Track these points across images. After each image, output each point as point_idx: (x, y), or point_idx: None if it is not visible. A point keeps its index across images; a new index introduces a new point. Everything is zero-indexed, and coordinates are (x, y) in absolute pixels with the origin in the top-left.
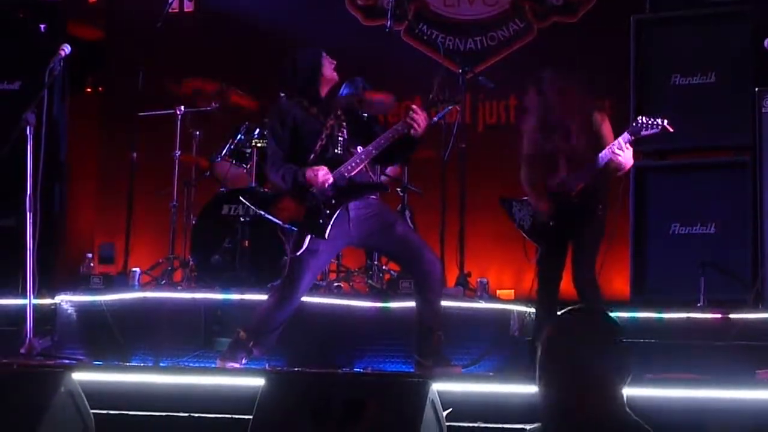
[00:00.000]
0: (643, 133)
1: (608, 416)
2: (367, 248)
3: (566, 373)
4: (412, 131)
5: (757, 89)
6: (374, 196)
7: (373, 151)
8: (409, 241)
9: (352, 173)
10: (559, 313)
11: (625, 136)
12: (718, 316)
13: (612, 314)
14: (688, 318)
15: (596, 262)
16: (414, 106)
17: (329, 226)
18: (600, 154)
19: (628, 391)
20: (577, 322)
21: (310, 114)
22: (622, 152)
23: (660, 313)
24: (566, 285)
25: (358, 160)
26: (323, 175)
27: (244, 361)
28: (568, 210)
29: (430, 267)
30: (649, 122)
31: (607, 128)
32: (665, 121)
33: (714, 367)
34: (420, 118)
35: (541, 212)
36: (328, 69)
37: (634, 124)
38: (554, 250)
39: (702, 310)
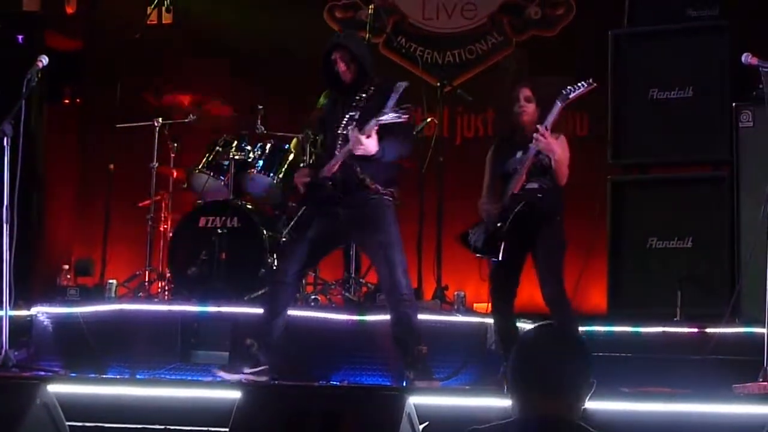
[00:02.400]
0: (572, 95)
1: (569, 428)
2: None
3: (532, 386)
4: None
5: (734, 104)
6: (366, 195)
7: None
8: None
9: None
10: (529, 327)
11: (556, 106)
12: (695, 330)
13: (579, 330)
14: (665, 332)
15: (562, 274)
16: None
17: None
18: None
19: (606, 405)
20: (545, 337)
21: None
22: (543, 138)
23: (637, 327)
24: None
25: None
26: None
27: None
28: (521, 213)
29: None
30: (576, 86)
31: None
32: (591, 80)
33: (691, 381)
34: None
35: (492, 216)
36: (340, 65)
37: (562, 91)
38: (507, 261)
39: (679, 324)
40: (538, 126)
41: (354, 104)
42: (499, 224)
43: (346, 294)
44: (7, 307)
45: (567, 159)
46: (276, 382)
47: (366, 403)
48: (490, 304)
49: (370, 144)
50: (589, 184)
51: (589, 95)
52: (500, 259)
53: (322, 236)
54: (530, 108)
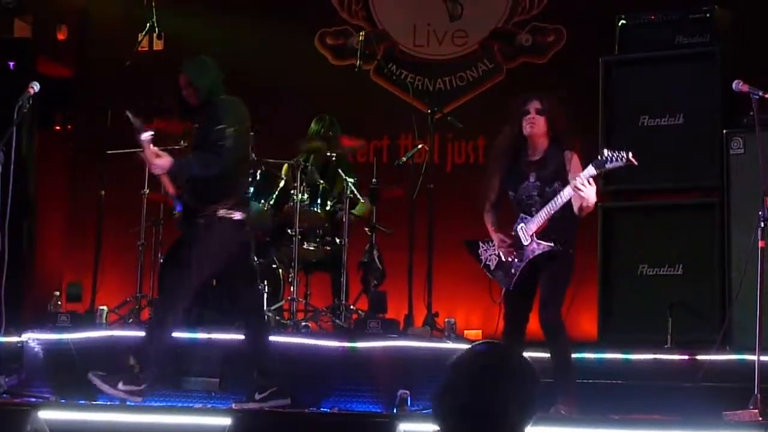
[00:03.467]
0: (608, 166)
1: None
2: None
3: (465, 407)
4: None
5: (725, 131)
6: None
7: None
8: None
9: None
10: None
11: (590, 169)
12: (686, 357)
13: (568, 356)
14: (655, 359)
15: (564, 302)
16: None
17: None
18: (563, 191)
19: None
20: (483, 356)
21: None
22: (584, 188)
23: (627, 353)
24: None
25: None
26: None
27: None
28: (548, 239)
29: None
30: (614, 155)
31: (575, 165)
32: (630, 154)
33: (681, 408)
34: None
35: (506, 248)
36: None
37: (599, 157)
38: (521, 290)
39: (669, 351)
40: (579, 176)
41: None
42: (516, 260)
43: (337, 321)
44: None
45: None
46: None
47: (356, 430)
48: (502, 328)
49: (162, 162)
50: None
51: (579, 122)
52: (511, 289)
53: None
54: (540, 120)
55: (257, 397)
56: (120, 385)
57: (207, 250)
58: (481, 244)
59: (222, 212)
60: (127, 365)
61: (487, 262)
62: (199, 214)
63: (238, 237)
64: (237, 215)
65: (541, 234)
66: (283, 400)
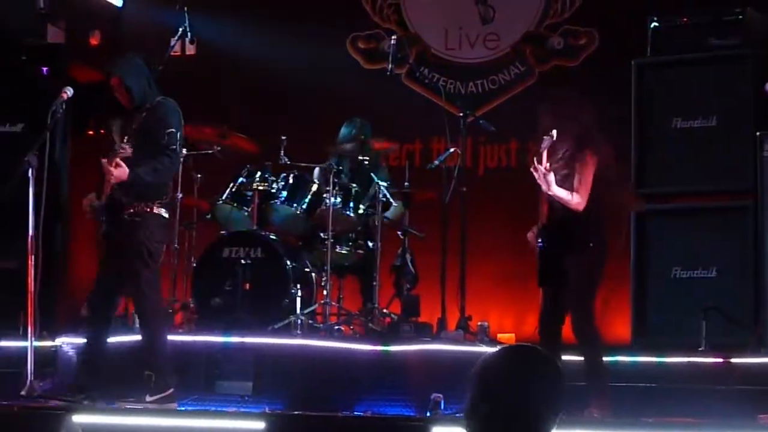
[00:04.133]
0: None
1: None
2: None
3: (494, 408)
4: None
5: (758, 133)
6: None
7: None
8: None
9: None
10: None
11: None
12: (719, 360)
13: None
14: (689, 362)
15: (591, 307)
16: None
17: None
18: None
19: None
20: (510, 357)
21: None
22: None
23: (661, 357)
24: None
25: None
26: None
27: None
28: (557, 234)
29: None
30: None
31: (579, 174)
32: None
33: (715, 411)
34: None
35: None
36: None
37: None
38: (549, 288)
39: (703, 354)
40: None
41: (131, 129)
42: (539, 243)
43: (370, 324)
44: (32, 338)
45: (564, 193)
46: (299, 412)
47: None
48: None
49: (120, 172)
50: (613, 213)
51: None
52: (539, 285)
53: None
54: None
55: (148, 398)
56: (148, 398)
57: (144, 245)
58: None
59: (154, 209)
60: (144, 378)
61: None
62: (129, 210)
63: (162, 235)
64: (165, 214)
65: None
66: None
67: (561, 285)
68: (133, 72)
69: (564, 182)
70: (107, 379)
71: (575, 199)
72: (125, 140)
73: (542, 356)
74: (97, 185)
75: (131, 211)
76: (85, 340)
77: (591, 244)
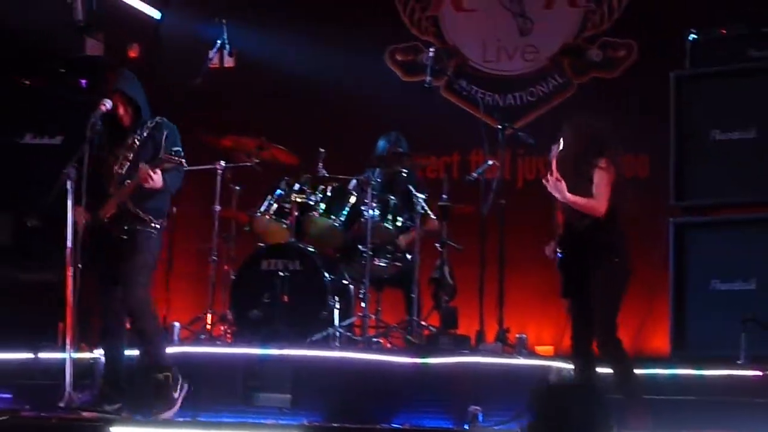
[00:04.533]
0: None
1: None
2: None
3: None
4: None
5: None
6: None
7: None
8: None
9: None
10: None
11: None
12: (759, 373)
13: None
14: (728, 375)
15: (615, 323)
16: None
17: None
18: None
19: None
20: (564, 395)
21: None
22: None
23: (700, 369)
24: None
25: None
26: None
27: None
28: (576, 244)
29: None
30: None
31: (596, 180)
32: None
33: (755, 424)
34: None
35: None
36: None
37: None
38: (574, 298)
39: (742, 367)
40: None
41: (128, 146)
42: (558, 252)
43: (408, 337)
44: (71, 350)
45: (580, 198)
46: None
47: None
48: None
49: (157, 178)
50: (652, 225)
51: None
52: (562, 296)
53: None
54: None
55: (175, 396)
56: (175, 395)
57: (153, 255)
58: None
59: (160, 225)
60: (159, 381)
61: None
62: (143, 223)
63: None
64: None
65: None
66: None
67: (585, 296)
68: (137, 89)
69: (576, 190)
70: (137, 391)
71: (593, 203)
72: (120, 155)
73: (593, 385)
74: (88, 203)
75: (152, 224)
76: (103, 358)
77: (616, 259)
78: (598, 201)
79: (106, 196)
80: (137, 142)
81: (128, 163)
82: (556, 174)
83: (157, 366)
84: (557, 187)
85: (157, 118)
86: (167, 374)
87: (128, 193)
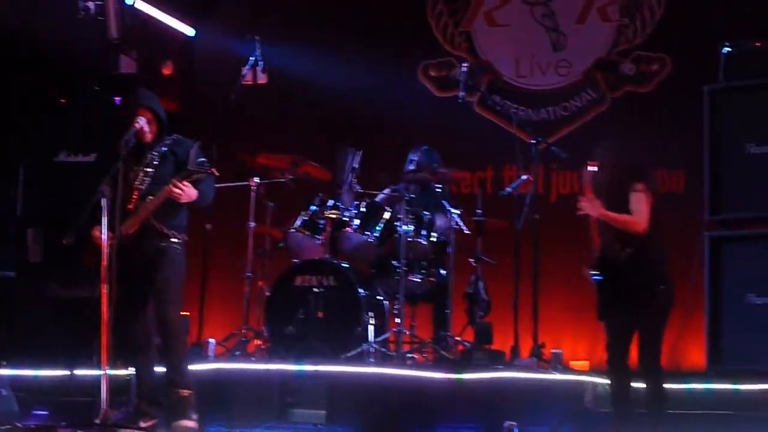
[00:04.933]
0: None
1: None
2: None
3: None
4: None
5: None
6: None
7: None
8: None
9: None
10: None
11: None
12: None
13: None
14: (765, 389)
15: (661, 345)
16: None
17: None
18: None
19: None
20: None
21: None
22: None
23: (736, 384)
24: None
25: None
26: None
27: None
28: (617, 271)
29: None
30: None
31: (634, 201)
32: None
33: None
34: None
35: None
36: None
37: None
38: (613, 317)
39: None
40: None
41: (148, 161)
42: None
43: (442, 352)
44: (106, 367)
45: (620, 215)
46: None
47: None
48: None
49: (191, 191)
50: (687, 240)
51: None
52: (598, 317)
53: None
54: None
55: (193, 416)
56: (193, 416)
57: (180, 270)
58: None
59: (182, 240)
60: (182, 398)
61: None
62: (167, 239)
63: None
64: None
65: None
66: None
67: (623, 317)
68: (160, 106)
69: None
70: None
71: (634, 219)
72: (140, 172)
73: None
74: (111, 220)
75: (175, 239)
76: (135, 375)
77: (662, 287)
78: (639, 217)
79: (127, 212)
80: (156, 159)
81: (149, 179)
82: (589, 194)
83: (181, 383)
84: (592, 205)
85: (174, 136)
86: (190, 392)
87: (152, 210)
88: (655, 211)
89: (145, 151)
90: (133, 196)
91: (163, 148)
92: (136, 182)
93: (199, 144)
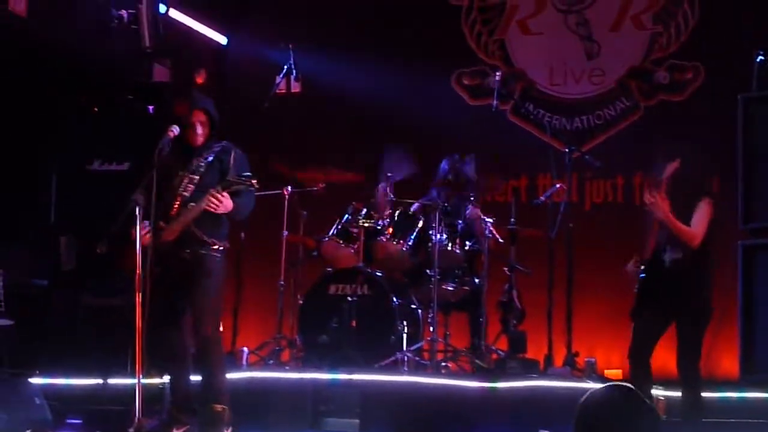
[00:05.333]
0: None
1: None
2: None
3: None
4: None
5: None
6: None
7: None
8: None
9: None
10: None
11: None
12: None
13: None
14: None
15: (700, 352)
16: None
17: None
18: None
19: None
20: (610, 398)
21: None
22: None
23: None
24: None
25: None
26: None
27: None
28: (661, 276)
29: None
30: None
31: (699, 213)
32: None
33: None
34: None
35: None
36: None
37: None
38: (644, 322)
39: None
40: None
41: (194, 167)
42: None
43: (477, 361)
44: (140, 376)
45: (681, 224)
46: None
47: None
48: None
49: (227, 202)
50: (721, 248)
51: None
52: (631, 314)
53: None
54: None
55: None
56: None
57: (219, 280)
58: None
59: (223, 248)
60: (216, 413)
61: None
62: (207, 247)
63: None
64: None
65: None
66: None
67: (661, 319)
68: (214, 108)
69: (674, 214)
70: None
71: (693, 231)
72: (185, 177)
73: (640, 398)
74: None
75: (215, 247)
76: (170, 383)
77: (706, 294)
78: (697, 230)
79: (170, 218)
80: (203, 166)
81: (193, 186)
82: (663, 193)
83: (216, 398)
84: (660, 205)
85: (224, 143)
86: (225, 408)
87: (192, 217)
88: (714, 224)
89: (192, 157)
90: (176, 203)
91: (211, 156)
92: (180, 188)
93: (245, 155)
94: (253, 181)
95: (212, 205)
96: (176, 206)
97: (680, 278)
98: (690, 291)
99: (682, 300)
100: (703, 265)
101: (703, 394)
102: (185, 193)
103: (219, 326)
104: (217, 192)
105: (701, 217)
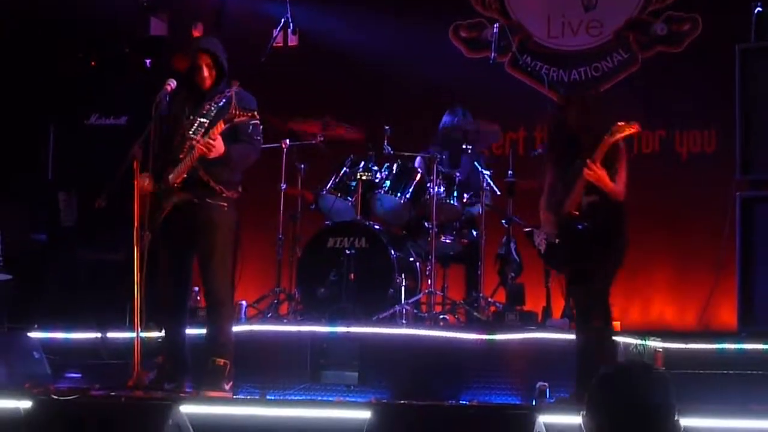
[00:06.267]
0: (617, 136)
1: None
2: None
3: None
4: None
5: None
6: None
7: None
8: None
9: None
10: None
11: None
12: None
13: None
14: None
15: (603, 298)
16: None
17: None
18: None
19: (735, 423)
20: (627, 379)
21: None
22: (591, 173)
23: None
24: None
25: None
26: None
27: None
28: (576, 231)
29: None
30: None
31: (619, 167)
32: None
33: None
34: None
35: (549, 228)
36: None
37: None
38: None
39: None
40: (588, 160)
41: (205, 111)
42: (557, 240)
43: (475, 314)
44: (139, 329)
45: (616, 186)
46: (405, 401)
47: (495, 422)
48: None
49: (219, 145)
50: (719, 200)
51: (716, 111)
52: (559, 272)
53: None
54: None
55: (226, 387)
56: (226, 387)
57: (228, 235)
58: (534, 231)
59: (231, 196)
60: (217, 367)
61: (539, 247)
62: (220, 196)
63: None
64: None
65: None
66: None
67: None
68: (222, 51)
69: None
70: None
71: (618, 190)
72: (196, 121)
73: (654, 372)
74: (154, 168)
75: (224, 195)
76: (164, 337)
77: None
78: (621, 188)
79: (177, 161)
80: (213, 109)
81: (203, 130)
82: (599, 163)
83: (220, 352)
84: (602, 176)
85: (236, 88)
86: (226, 362)
87: (195, 158)
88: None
89: (202, 100)
90: (185, 146)
91: (223, 101)
92: (190, 132)
93: (247, 90)
94: (255, 113)
95: (201, 148)
96: (185, 150)
97: (596, 221)
98: (605, 236)
99: (600, 246)
100: (617, 210)
101: (701, 346)
102: (194, 137)
103: (229, 284)
104: (211, 134)
105: (620, 168)
